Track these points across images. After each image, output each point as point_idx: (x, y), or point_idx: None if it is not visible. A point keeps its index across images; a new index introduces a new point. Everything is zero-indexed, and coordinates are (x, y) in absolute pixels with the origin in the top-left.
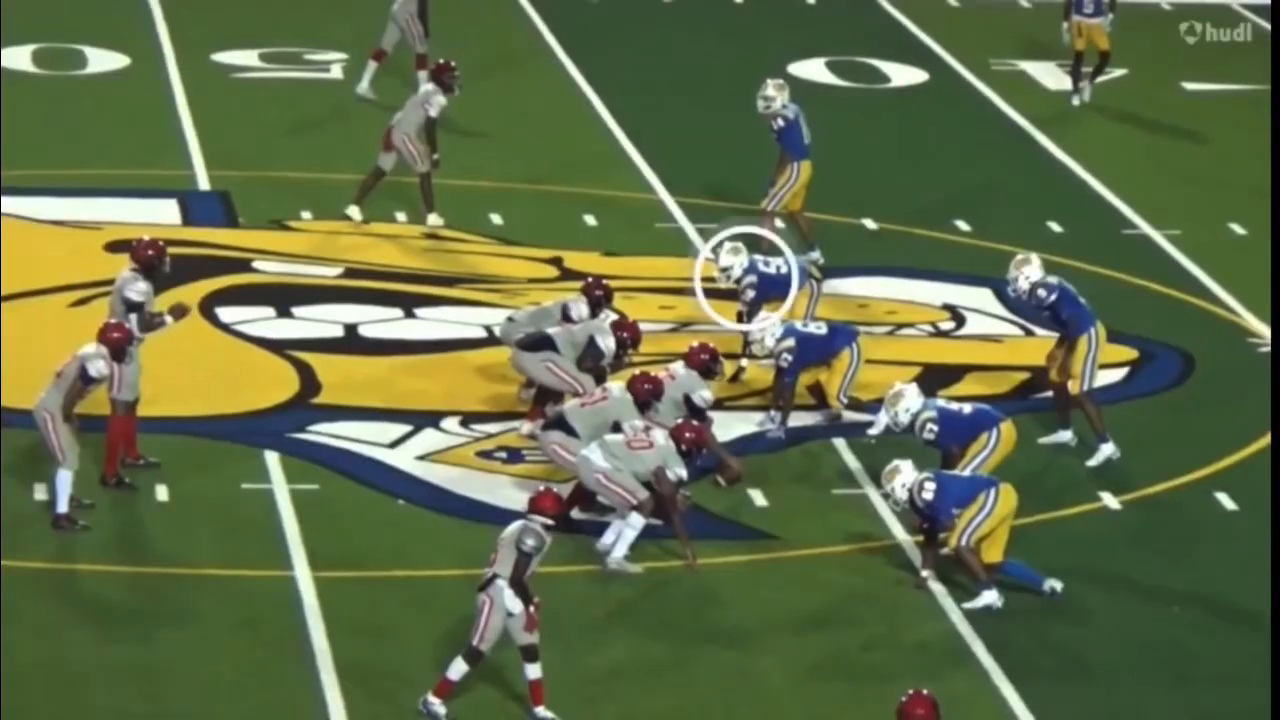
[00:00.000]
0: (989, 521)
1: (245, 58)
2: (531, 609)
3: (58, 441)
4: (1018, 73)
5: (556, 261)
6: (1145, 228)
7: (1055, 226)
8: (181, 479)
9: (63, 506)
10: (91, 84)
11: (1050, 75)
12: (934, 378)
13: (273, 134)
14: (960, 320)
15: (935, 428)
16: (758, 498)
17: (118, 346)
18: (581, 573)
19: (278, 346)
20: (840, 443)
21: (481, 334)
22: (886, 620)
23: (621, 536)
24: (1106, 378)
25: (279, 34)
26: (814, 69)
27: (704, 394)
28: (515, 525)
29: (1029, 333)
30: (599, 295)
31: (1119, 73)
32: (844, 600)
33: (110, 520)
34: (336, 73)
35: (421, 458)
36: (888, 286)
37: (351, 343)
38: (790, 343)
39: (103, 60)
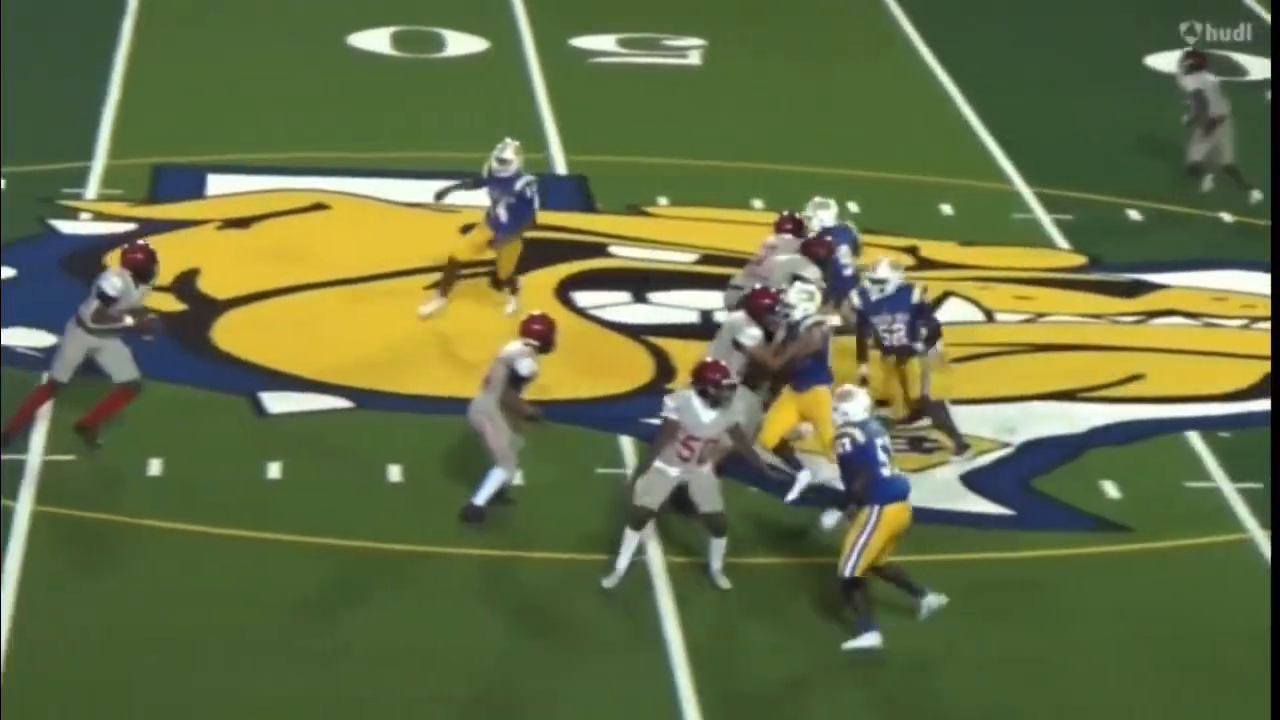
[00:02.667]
0: (876, 540)
1: (603, 42)
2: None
3: (497, 444)
4: None
5: (912, 250)
6: None
7: None
8: (537, 463)
9: (482, 500)
10: (450, 67)
11: None
12: None
13: (630, 119)
14: None
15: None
16: (1111, 489)
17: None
18: (927, 561)
19: (633, 332)
20: (1194, 435)
21: (837, 322)
22: (1238, 614)
23: None
24: None
25: (637, 19)
26: (1167, 60)
27: (752, 332)
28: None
29: None
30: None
31: None
32: (1196, 594)
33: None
34: (694, 59)
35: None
36: (1243, 280)
37: (707, 329)
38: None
39: (461, 43)
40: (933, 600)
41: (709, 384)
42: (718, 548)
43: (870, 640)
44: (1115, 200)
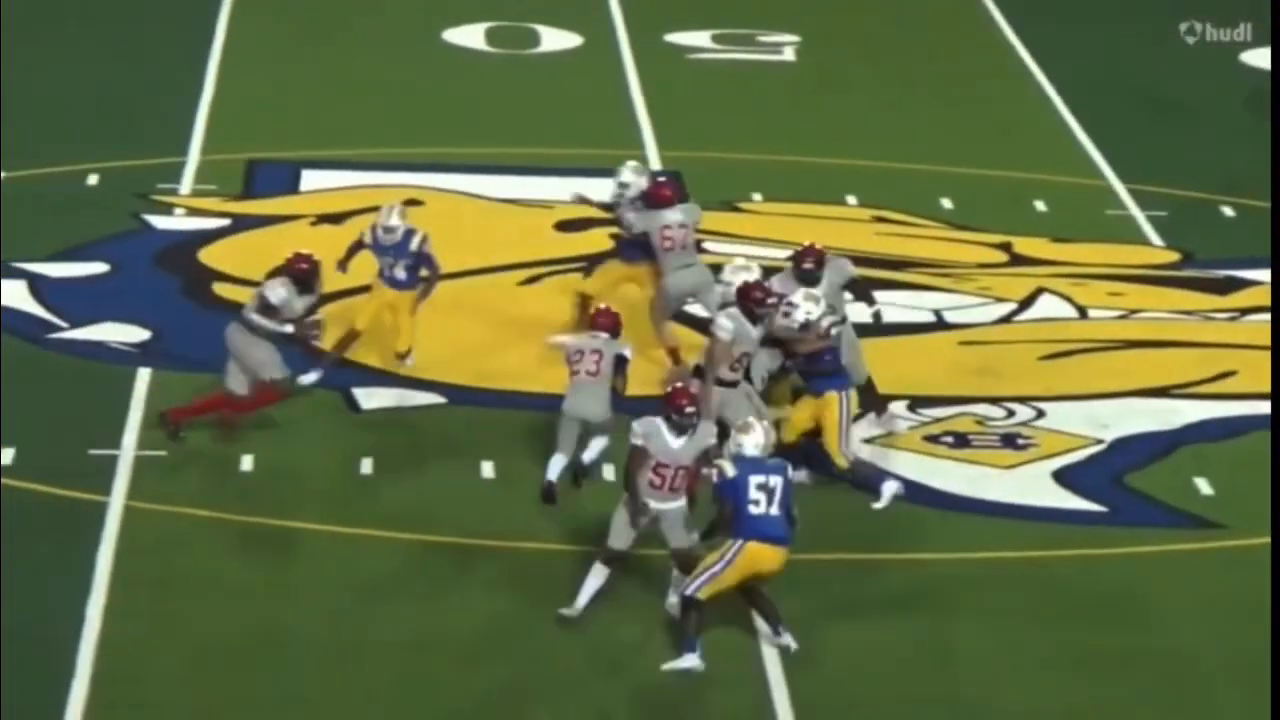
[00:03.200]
0: (730, 574)
1: (698, 38)
2: None
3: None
4: None
5: (1006, 247)
6: None
7: None
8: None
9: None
10: (544, 62)
11: None
12: None
13: (725, 115)
14: None
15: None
16: (1204, 486)
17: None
18: (1019, 558)
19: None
20: None
21: (930, 318)
22: None
23: None
24: None
25: (732, 15)
26: (1258, 57)
27: (724, 324)
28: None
29: None
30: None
31: None
32: None
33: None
34: (789, 55)
35: (868, 441)
36: None
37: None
38: None
39: (556, 39)
40: (787, 639)
41: (673, 410)
42: (678, 581)
43: (690, 663)
44: (1209, 197)
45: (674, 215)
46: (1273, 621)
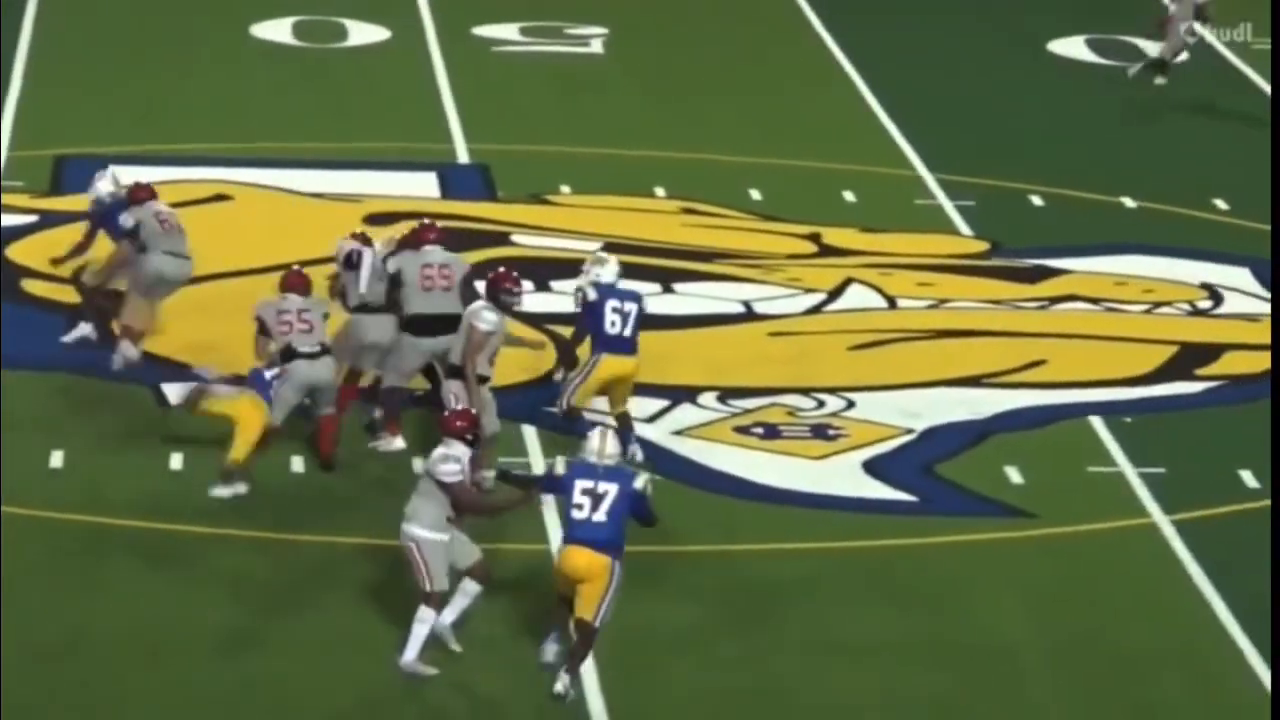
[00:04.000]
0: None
1: (506, 31)
2: None
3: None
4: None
5: (815, 237)
6: None
7: None
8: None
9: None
10: (352, 56)
11: None
12: (1190, 357)
13: (532, 108)
14: (1218, 299)
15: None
16: (1014, 475)
17: None
18: (831, 549)
19: (536, 320)
20: (1096, 420)
21: (739, 309)
22: (1141, 598)
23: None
24: None
25: (540, 8)
26: (1068, 46)
27: (489, 316)
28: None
29: None
30: None
31: None
32: (1100, 579)
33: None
34: (597, 47)
35: (678, 433)
36: (1145, 265)
37: None
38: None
39: (364, 33)
40: (562, 686)
41: (459, 433)
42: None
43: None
44: (1017, 185)
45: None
46: (1272, 620)
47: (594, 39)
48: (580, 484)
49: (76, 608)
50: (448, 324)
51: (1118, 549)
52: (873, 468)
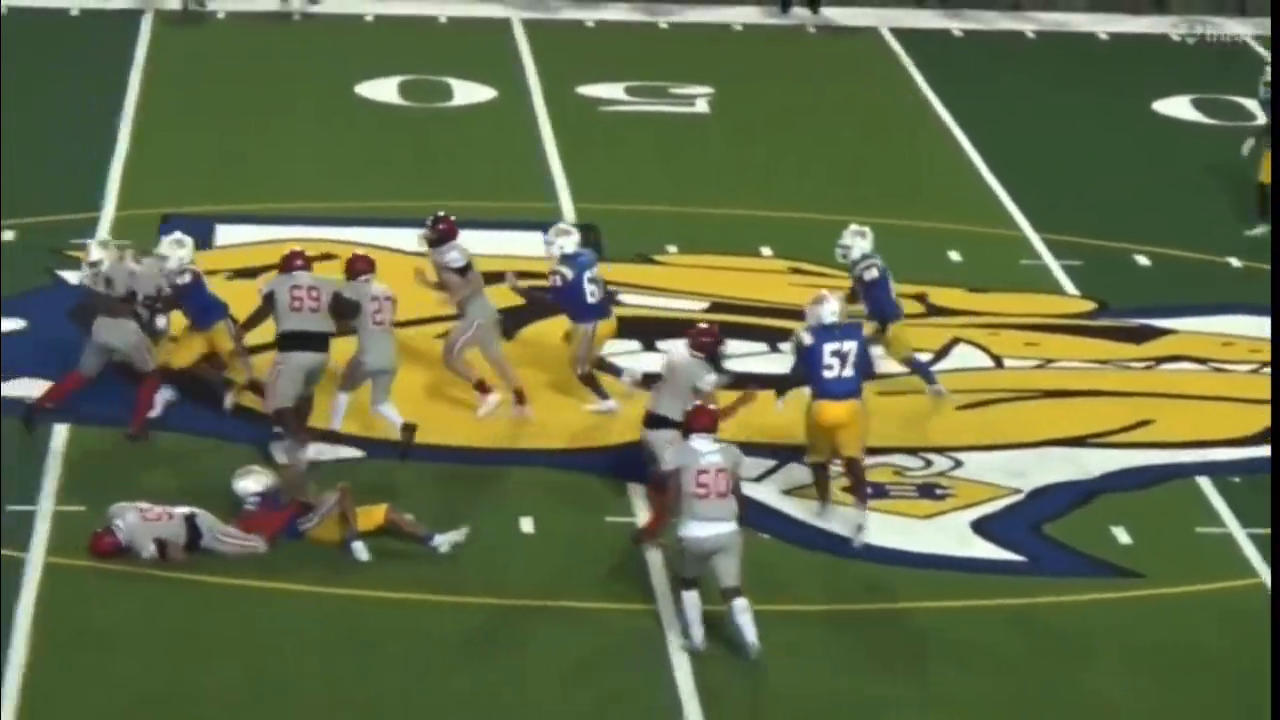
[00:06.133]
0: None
1: (611, 91)
2: None
3: None
4: None
5: (921, 297)
6: None
7: None
8: (548, 512)
9: None
10: (458, 116)
11: None
12: None
13: (638, 167)
14: None
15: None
16: (1122, 535)
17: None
18: (939, 608)
19: (645, 380)
20: (1204, 480)
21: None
22: (1250, 658)
23: None
24: None
25: (645, 68)
26: (1174, 106)
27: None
28: None
29: None
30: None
31: None
32: (1209, 639)
33: (473, 550)
34: (702, 106)
35: (787, 492)
36: (1251, 325)
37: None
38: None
39: (469, 92)
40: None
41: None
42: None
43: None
44: (1123, 245)
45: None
46: (1273, 619)
47: (699, 98)
48: (828, 347)
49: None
50: (318, 341)
51: (1226, 610)
52: (981, 527)
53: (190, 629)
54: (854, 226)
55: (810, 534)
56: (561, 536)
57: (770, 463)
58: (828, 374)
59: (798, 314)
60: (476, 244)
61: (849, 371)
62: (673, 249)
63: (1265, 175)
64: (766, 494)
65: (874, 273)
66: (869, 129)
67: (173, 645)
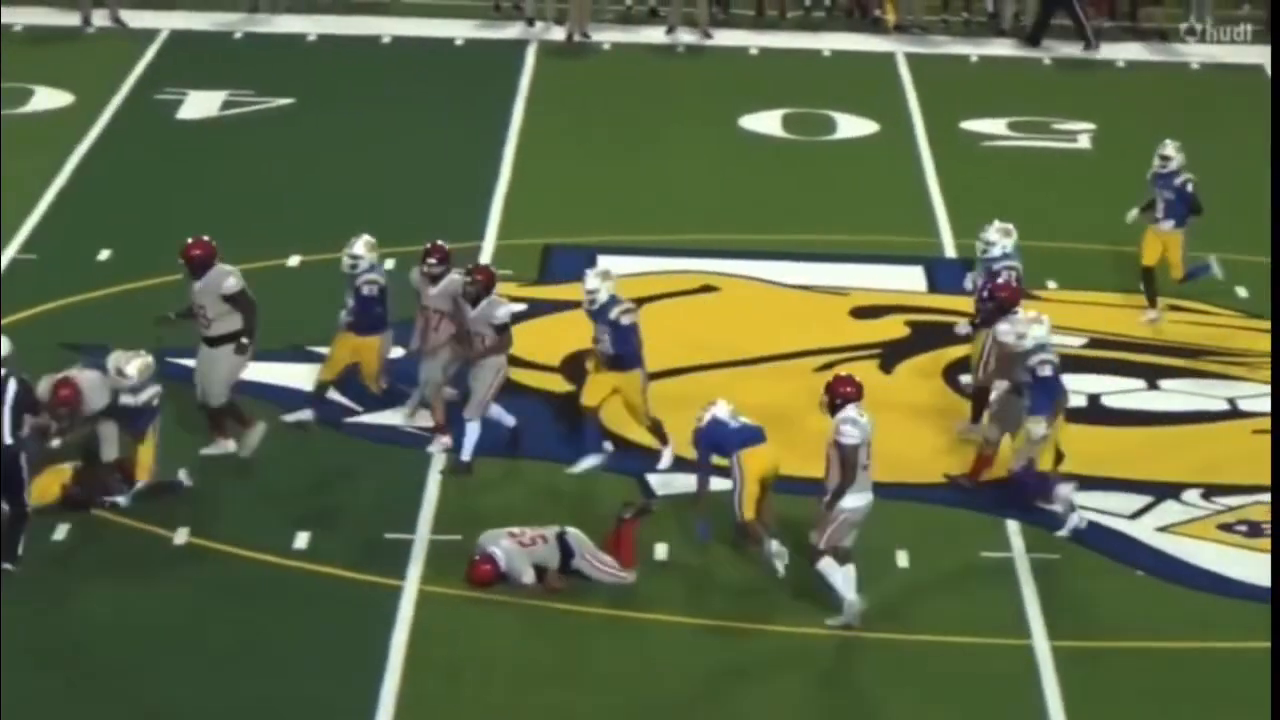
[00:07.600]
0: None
1: (994, 126)
2: None
3: None
4: None
5: None
6: None
7: None
8: (922, 546)
9: None
10: (840, 149)
11: None
12: None
13: (1020, 203)
14: None
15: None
16: None
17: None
18: None
19: None
20: None
21: (1224, 406)
22: None
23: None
24: None
25: (1028, 103)
26: None
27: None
28: None
29: None
30: None
31: None
32: None
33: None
34: (1085, 143)
35: (1162, 529)
36: None
37: (1095, 413)
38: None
39: (852, 126)
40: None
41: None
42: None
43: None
44: None
45: None
46: (1273, 619)
47: (1082, 134)
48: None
49: None
50: None
51: None
52: None
53: (563, 658)
54: (999, 224)
55: (1185, 571)
56: (938, 570)
57: (1146, 499)
58: None
59: (1177, 351)
60: (857, 278)
61: None
62: (1053, 284)
63: (1149, 258)
64: (1140, 530)
65: (1008, 275)
66: (1254, 164)
67: (547, 674)
